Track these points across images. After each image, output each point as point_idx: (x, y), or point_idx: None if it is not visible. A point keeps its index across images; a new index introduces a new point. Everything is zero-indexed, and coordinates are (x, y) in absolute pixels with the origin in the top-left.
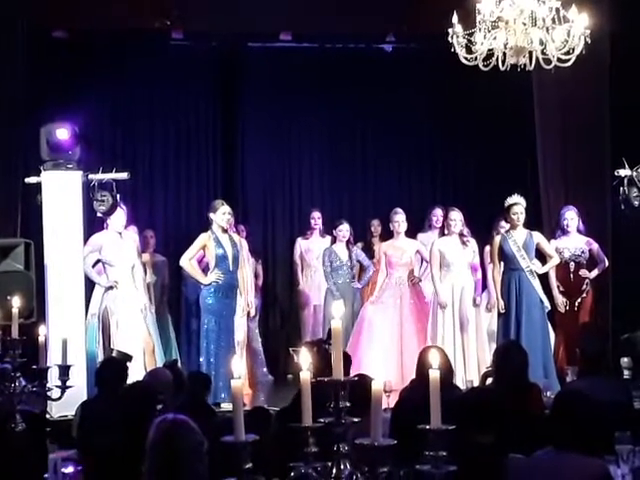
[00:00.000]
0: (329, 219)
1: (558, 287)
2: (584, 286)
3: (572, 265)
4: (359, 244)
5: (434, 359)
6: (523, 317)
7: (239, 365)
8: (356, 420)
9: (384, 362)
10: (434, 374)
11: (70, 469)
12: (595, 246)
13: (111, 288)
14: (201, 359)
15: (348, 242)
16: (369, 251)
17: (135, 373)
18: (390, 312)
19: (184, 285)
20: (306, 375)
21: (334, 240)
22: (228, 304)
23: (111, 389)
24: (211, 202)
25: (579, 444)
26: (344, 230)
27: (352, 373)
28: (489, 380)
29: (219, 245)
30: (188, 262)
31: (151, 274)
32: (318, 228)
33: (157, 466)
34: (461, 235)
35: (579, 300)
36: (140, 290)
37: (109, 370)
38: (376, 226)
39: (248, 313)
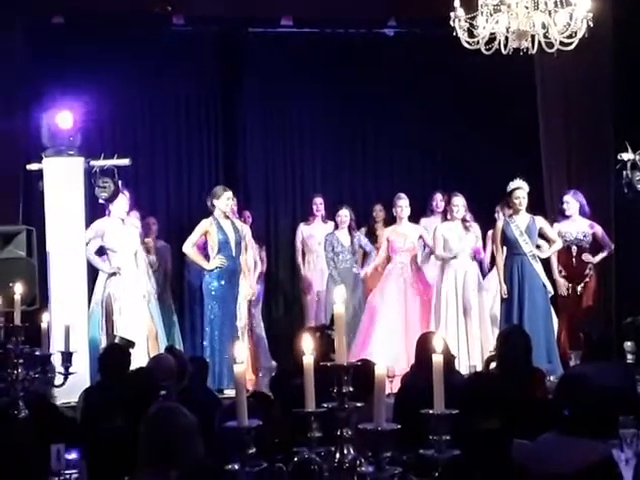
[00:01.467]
0: (332, 204)
1: (560, 271)
2: (587, 270)
3: (574, 249)
4: (362, 229)
5: (437, 344)
6: (526, 302)
7: (242, 350)
8: (359, 405)
9: (388, 347)
10: (437, 359)
11: (73, 455)
12: (599, 230)
13: (114, 274)
14: (205, 345)
15: (350, 227)
16: (372, 236)
17: (138, 359)
18: (394, 297)
19: (187, 271)
20: (309, 360)
21: (336, 226)
22: (231, 290)
23: (114, 376)
24: (213, 188)
25: (582, 428)
26: (343, 215)
27: (356, 358)
28: (492, 365)
29: (221, 231)
30: (191, 249)
31: (154, 260)
32: (320, 214)
33: (150, 449)
34: (464, 220)
35: (582, 284)
36: (143, 276)
37: (112, 357)
38: (378, 211)
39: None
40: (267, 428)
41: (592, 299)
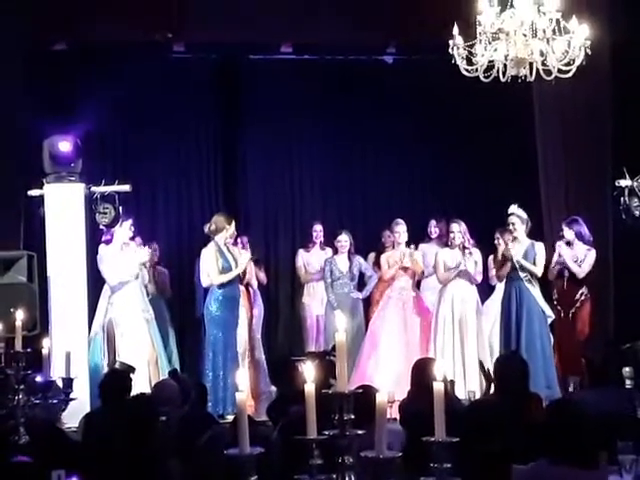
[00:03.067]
0: (331, 230)
1: (554, 295)
2: (578, 295)
3: (566, 274)
4: (371, 255)
5: (437, 371)
6: (523, 327)
7: (244, 378)
8: (360, 432)
9: (389, 372)
10: (438, 386)
11: None
12: (591, 255)
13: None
14: (207, 370)
15: (349, 252)
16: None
17: (139, 385)
18: (394, 322)
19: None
20: (310, 387)
21: (336, 251)
22: (232, 315)
23: (114, 401)
24: (213, 214)
25: (572, 456)
26: (343, 240)
27: (357, 384)
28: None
29: (223, 257)
30: (218, 276)
31: (154, 286)
32: (319, 240)
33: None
34: (463, 247)
35: (573, 310)
36: (145, 301)
37: (112, 382)
38: (387, 237)
39: (251, 322)
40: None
41: (585, 324)
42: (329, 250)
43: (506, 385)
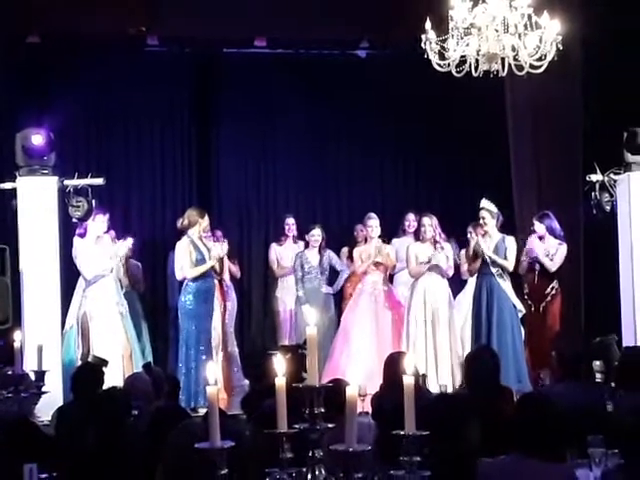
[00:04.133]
0: (304, 224)
1: (524, 289)
2: (549, 289)
3: (537, 268)
4: (344, 249)
5: (408, 365)
6: (494, 321)
7: (214, 371)
8: (331, 426)
9: (361, 366)
10: (408, 380)
11: (45, 475)
12: (562, 250)
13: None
14: (180, 364)
15: (320, 247)
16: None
17: (113, 378)
18: (366, 316)
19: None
20: (281, 381)
21: (307, 245)
22: (207, 308)
23: (86, 394)
24: (186, 208)
25: (542, 450)
26: (316, 235)
27: (329, 377)
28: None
29: (197, 250)
30: (190, 270)
31: (127, 280)
32: (292, 234)
33: None
34: (434, 241)
35: (544, 304)
36: (120, 295)
37: (84, 375)
38: (359, 231)
39: (224, 315)
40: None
41: (556, 319)
42: (302, 244)
43: (477, 379)
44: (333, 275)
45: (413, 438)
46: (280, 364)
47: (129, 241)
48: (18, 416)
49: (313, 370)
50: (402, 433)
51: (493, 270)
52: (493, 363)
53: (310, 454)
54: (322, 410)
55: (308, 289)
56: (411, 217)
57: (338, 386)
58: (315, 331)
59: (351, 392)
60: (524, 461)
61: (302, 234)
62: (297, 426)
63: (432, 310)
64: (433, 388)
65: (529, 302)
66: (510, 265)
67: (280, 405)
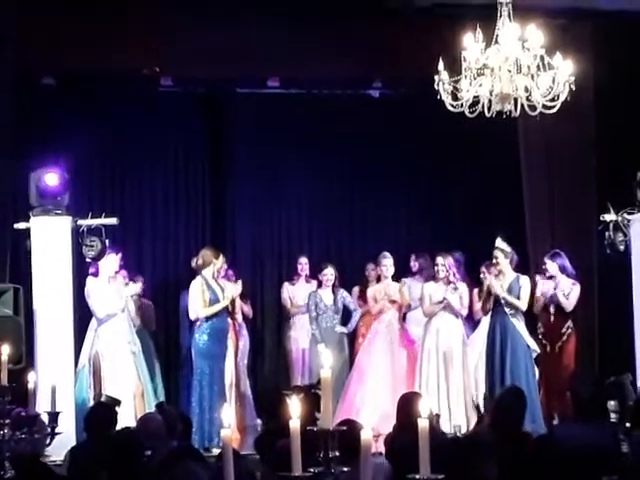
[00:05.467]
0: (317, 264)
1: (539, 329)
2: (564, 329)
3: (552, 308)
4: (355, 288)
5: (423, 407)
6: (507, 361)
7: (229, 413)
8: (346, 470)
9: (376, 406)
10: (423, 423)
11: None
12: (575, 290)
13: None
14: (193, 404)
15: (334, 286)
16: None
17: (125, 418)
18: (381, 357)
19: (181, 331)
20: (295, 424)
21: (320, 284)
22: (221, 348)
23: (100, 434)
24: (200, 248)
25: None
26: (328, 274)
27: (342, 418)
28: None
29: (211, 290)
30: (203, 309)
31: (139, 319)
32: (304, 273)
33: None
34: (448, 281)
35: (560, 343)
36: (132, 333)
37: (98, 415)
38: (370, 270)
39: (237, 353)
40: None
41: (571, 358)
42: (314, 283)
43: (505, 423)
44: (345, 314)
45: None
46: (295, 406)
47: (138, 285)
48: (31, 456)
49: (327, 413)
50: (417, 477)
51: (507, 310)
52: (522, 408)
53: None
54: (336, 454)
55: (323, 328)
56: (412, 257)
57: (352, 429)
58: (329, 373)
59: (366, 436)
60: None
61: (314, 273)
62: (312, 469)
63: (445, 350)
64: (445, 428)
65: (544, 342)
66: (523, 305)
67: (294, 448)
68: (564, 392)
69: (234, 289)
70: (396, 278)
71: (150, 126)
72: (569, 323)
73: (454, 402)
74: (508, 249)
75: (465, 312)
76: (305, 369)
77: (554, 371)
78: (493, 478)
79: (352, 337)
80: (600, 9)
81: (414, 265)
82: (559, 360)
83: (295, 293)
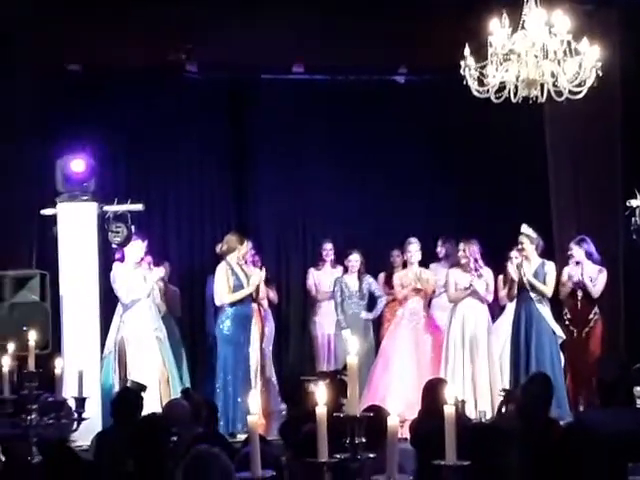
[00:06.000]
0: (342, 250)
1: (565, 314)
2: (592, 315)
3: (580, 293)
4: (381, 275)
5: (448, 394)
6: (533, 347)
7: (256, 400)
8: (372, 456)
9: (402, 393)
10: (449, 410)
11: None
12: (602, 277)
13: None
14: (218, 390)
15: (360, 272)
16: (391, 281)
17: (150, 404)
18: (406, 343)
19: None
20: (322, 410)
21: (345, 270)
22: (245, 333)
23: (126, 420)
24: (225, 234)
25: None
26: (353, 260)
27: (368, 404)
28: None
29: (235, 277)
30: (228, 295)
31: (164, 305)
32: (330, 259)
33: None
34: (472, 268)
35: (587, 329)
36: (157, 320)
37: (124, 401)
38: (395, 257)
39: (262, 340)
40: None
41: (598, 344)
42: (340, 268)
43: (532, 410)
44: (371, 301)
45: (454, 468)
46: (321, 392)
47: (161, 269)
48: (58, 441)
49: (354, 399)
50: (443, 463)
51: (532, 295)
52: (548, 394)
53: None
54: (363, 440)
55: (348, 314)
56: (439, 243)
57: (378, 415)
58: (356, 360)
59: (392, 422)
60: None
61: (339, 259)
62: (338, 455)
63: (470, 336)
64: (470, 414)
65: (571, 328)
66: (549, 290)
67: (321, 434)
68: (590, 378)
69: (257, 275)
70: (423, 264)
71: (175, 112)
72: (596, 309)
73: (479, 388)
74: (534, 235)
75: (491, 298)
76: (330, 355)
77: (580, 357)
78: (517, 465)
79: (378, 323)
80: None
81: (440, 250)
82: (585, 346)
83: (320, 279)
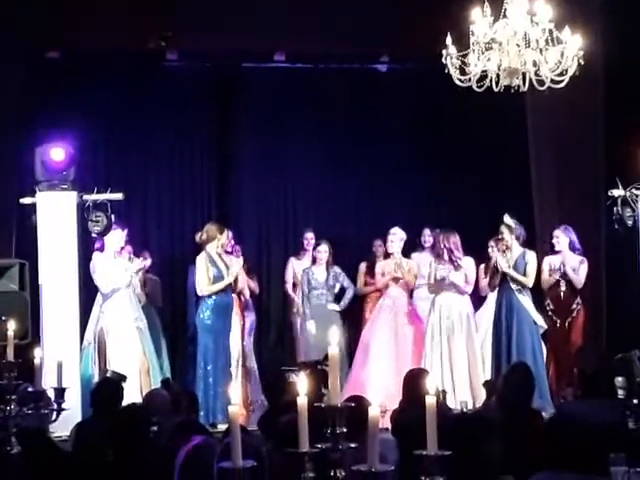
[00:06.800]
0: (323, 238)
1: (548, 305)
2: (574, 305)
3: (563, 283)
4: (362, 264)
5: (430, 384)
6: (514, 337)
7: (236, 390)
8: (353, 446)
9: (382, 382)
10: (430, 400)
11: None
12: (584, 267)
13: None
14: (198, 380)
15: (327, 263)
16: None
17: (130, 394)
18: (385, 332)
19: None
20: (303, 400)
21: (314, 261)
22: (225, 324)
23: (106, 410)
24: (205, 223)
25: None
26: (322, 251)
27: (350, 393)
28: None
29: (215, 267)
30: (207, 287)
31: (144, 295)
32: (311, 248)
33: None
34: (450, 259)
35: (569, 319)
36: (137, 310)
37: (104, 391)
38: (378, 246)
39: (243, 330)
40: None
41: (580, 334)
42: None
43: (513, 399)
44: (342, 292)
45: (435, 458)
46: (302, 382)
47: (142, 260)
48: (36, 431)
49: (335, 389)
50: (424, 453)
51: (513, 286)
52: (530, 384)
53: (332, 474)
54: (344, 430)
55: (314, 306)
56: (426, 232)
57: (360, 405)
58: (337, 350)
59: (373, 412)
60: (560, 475)
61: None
62: (319, 445)
63: (448, 326)
64: (451, 404)
65: (554, 318)
66: (529, 281)
67: (302, 424)
68: (573, 368)
69: (236, 265)
70: (406, 254)
71: (156, 101)
72: (578, 299)
73: (458, 379)
74: (513, 225)
75: (470, 289)
76: (308, 345)
77: (563, 347)
78: (499, 455)
79: (358, 315)
80: None
81: (428, 240)
82: (568, 336)
83: (301, 268)
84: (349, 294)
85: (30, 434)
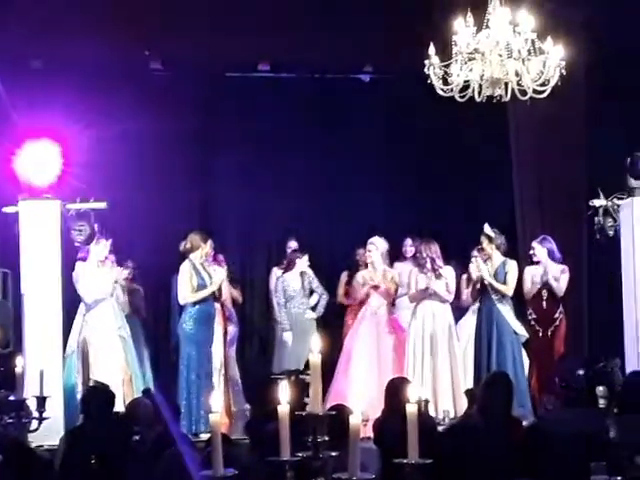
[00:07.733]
0: (307, 248)
1: (530, 314)
2: (557, 314)
3: (545, 293)
4: (343, 274)
5: (411, 393)
6: (494, 347)
7: (218, 399)
8: (334, 454)
9: (364, 391)
10: (412, 409)
11: None
12: (565, 277)
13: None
14: (181, 389)
15: (302, 270)
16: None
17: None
18: (367, 341)
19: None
20: (284, 409)
21: (285, 269)
22: (208, 333)
23: (99, 417)
24: (188, 232)
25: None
26: (293, 247)
27: (332, 402)
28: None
29: (199, 276)
30: (190, 294)
31: (127, 305)
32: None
33: None
34: (432, 268)
35: (552, 328)
36: (122, 319)
37: (95, 398)
38: (361, 255)
39: (225, 338)
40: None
41: (563, 343)
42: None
43: (493, 408)
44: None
45: (416, 466)
46: (284, 391)
47: (123, 269)
48: (17, 440)
49: (316, 398)
50: (405, 461)
51: (493, 296)
52: (509, 392)
53: None
54: (325, 438)
55: (293, 314)
56: (408, 242)
57: (341, 414)
58: (319, 359)
59: (354, 421)
60: None
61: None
62: (300, 454)
63: (430, 336)
64: (433, 413)
65: (537, 327)
66: (509, 289)
67: (283, 433)
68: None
69: (219, 274)
70: (389, 264)
71: (139, 110)
72: (560, 308)
73: (440, 388)
74: (493, 234)
75: (451, 298)
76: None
77: (546, 356)
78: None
79: (340, 324)
80: None
81: (409, 250)
82: (551, 345)
83: (284, 277)
84: (323, 301)
85: (11, 443)
